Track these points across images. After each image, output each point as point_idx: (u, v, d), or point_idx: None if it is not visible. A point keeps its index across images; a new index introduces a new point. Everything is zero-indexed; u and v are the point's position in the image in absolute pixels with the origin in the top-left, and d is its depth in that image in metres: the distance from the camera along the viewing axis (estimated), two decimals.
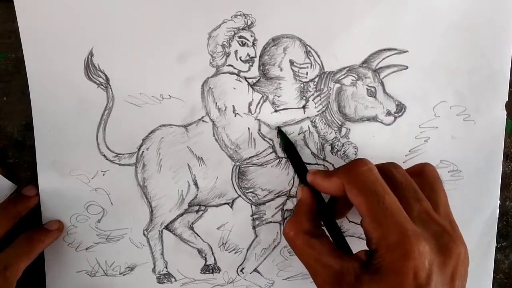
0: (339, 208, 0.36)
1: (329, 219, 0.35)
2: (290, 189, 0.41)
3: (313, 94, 0.40)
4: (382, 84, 0.40)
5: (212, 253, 0.42)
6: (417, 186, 0.32)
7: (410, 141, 0.41)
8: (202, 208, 0.42)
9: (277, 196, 0.41)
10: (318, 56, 0.39)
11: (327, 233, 0.34)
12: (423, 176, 0.34)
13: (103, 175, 0.40)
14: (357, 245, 0.32)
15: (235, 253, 0.42)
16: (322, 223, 0.35)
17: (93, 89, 0.39)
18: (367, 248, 0.31)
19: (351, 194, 0.31)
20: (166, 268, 0.42)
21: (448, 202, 0.33)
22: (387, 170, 0.33)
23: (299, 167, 0.38)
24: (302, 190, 0.36)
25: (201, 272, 0.43)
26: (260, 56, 0.39)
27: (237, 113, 0.40)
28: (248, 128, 0.40)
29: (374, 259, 0.29)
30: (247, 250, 0.42)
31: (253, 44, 0.39)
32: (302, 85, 0.40)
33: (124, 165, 0.40)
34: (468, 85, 0.40)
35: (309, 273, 0.32)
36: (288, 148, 0.39)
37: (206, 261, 0.42)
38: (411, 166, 0.35)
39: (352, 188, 0.31)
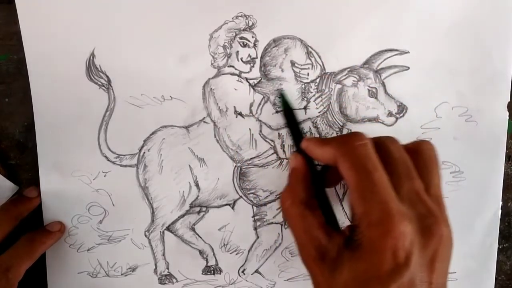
0: (330, 177, 0.36)
1: (320, 187, 0.35)
2: None
3: (314, 95, 0.40)
4: (384, 85, 0.40)
5: (214, 254, 0.42)
6: (411, 163, 0.31)
7: None
8: (204, 209, 0.42)
9: (278, 197, 0.41)
10: (319, 57, 0.39)
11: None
12: (419, 154, 0.32)
13: (105, 176, 0.40)
14: None
15: (236, 254, 0.42)
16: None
17: (94, 90, 0.39)
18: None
19: (342, 166, 0.30)
20: (168, 269, 0.42)
21: (441, 183, 0.32)
22: (383, 144, 0.32)
23: (296, 133, 0.37)
24: (295, 157, 0.36)
25: (202, 273, 0.43)
26: (261, 57, 0.39)
27: (238, 114, 0.40)
28: (249, 129, 0.40)
29: (355, 235, 0.29)
30: (249, 251, 0.42)
31: (254, 45, 0.39)
32: (303, 86, 0.40)
33: (125, 166, 0.40)
34: (470, 85, 0.40)
35: (296, 246, 0.32)
36: (288, 112, 0.38)
37: (207, 262, 0.42)
38: (409, 142, 0.34)
39: (344, 161, 0.30)
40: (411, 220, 0.28)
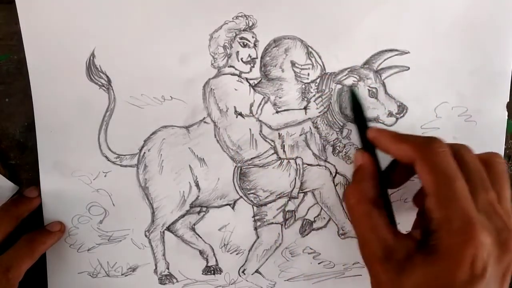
0: (396, 178, 0.36)
1: (383, 188, 0.35)
2: (292, 190, 0.41)
3: (314, 95, 0.40)
4: (384, 85, 0.40)
5: (214, 254, 0.42)
6: (485, 174, 0.31)
7: None
8: (204, 209, 0.42)
9: (279, 197, 0.41)
10: (320, 57, 0.39)
11: None
12: (491, 166, 0.32)
13: (105, 176, 0.40)
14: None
15: (236, 254, 0.42)
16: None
17: (94, 90, 0.39)
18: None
19: (422, 170, 0.30)
20: (168, 269, 0.42)
21: (510, 198, 0.32)
22: (459, 152, 0.32)
23: (363, 131, 0.37)
24: (362, 155, 0.35)
25: (202, 273, 0.43)
26: (262, 57, 0.39)
27: (239, 114, 0.40)
28: (250, 129, 0.40)
29: (432, 239, 0.29)
30: (249, 251, 0.42)
31: (255, 45, 0.39)
32: (303, 86, 0.40)
33: (125, 166, 0.40)
34: (470, 86, 0.40)
35: (358, 243, 0.32)
36: (357, 108, 0.38)
37: (207, 262, 0.42)
38: (480, 153, 0.34)
39: (425, 165, 0.30)
40: (491, 231, 0.28)
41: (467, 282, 0.27)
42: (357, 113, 0.38)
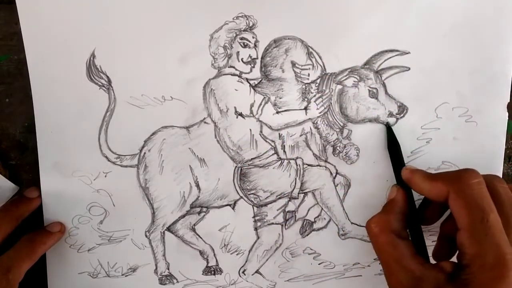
0: (430, 215, 0.36)
1: (416, 223, 0.35)
2: (292, 191, 0.41)
3: (314, 96, 0.40)
4: (384, 85, 0.40)
5: (214, 254, 0.42)
6: None
7: (412, 142, 0.41)
8: (204, 209, 0.42)
9: (279, 198, 0.41)
10: (320, 58, 0.39)
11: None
12: None
13: (105, 176, 0.40)
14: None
15: (237, 254, 0.42)
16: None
17: (95, 90, 0.39)
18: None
19: (455, 204, 0.30)
20: (168, 269, 0.42)
21: None
22: (491, 184, 0.32)
23: (398, 167, 0.38)
24: (397, 190, 0.36)
25: (203, 274, 0.43)
26: (262, 58, 0.39)
27: (239, 115, 0.40)
28: (250, 129, 0.40)
29: (464, 274, 0.29)
30: (249, 251, 0.42)
31: (255, 45, 0.39)
32: (304, 86, 0.40)
33: (126, 166, 0.40)
34: (470, 86, 0.40)
35: (384, 272, 0.33)
36: (392, 145, 0.39)
37: (208, 262, 0.42)
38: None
39: (458, 198, 0.30)
40: None
41: None
42: (393, 150, 0.39)
